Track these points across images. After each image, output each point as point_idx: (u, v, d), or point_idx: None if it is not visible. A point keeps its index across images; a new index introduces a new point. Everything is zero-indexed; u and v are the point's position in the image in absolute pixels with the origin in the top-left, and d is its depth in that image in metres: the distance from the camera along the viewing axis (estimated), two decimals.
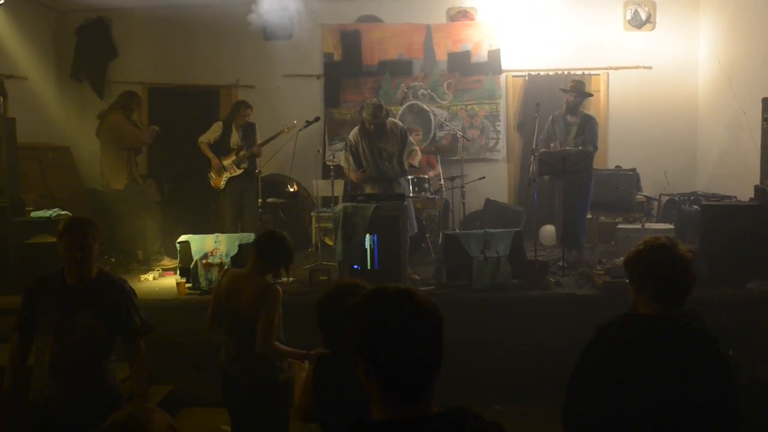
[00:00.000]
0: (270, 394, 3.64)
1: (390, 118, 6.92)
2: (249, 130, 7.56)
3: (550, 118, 7.27)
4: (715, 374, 2.25)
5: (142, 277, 6.62)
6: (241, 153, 7.41)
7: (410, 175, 7.04)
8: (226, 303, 3.72)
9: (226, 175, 7.40)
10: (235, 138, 7.47)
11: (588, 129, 6.99)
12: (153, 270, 6.86)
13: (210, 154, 7.39)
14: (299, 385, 2.91)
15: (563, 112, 7.15)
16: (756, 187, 6.31)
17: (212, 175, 7.43)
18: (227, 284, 3.75)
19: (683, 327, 2.36)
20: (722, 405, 2.23)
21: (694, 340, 2.30)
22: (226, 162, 7.39)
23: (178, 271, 6.29)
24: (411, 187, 7.09)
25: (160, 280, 6.62)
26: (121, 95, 7.27)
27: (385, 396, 1.49)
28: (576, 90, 7.08)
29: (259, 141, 7.46)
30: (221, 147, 7.43)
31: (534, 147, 6.86)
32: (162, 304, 5.82)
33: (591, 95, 7.31)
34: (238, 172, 7.38)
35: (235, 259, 5.97)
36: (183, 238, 6.23)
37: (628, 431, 2.24)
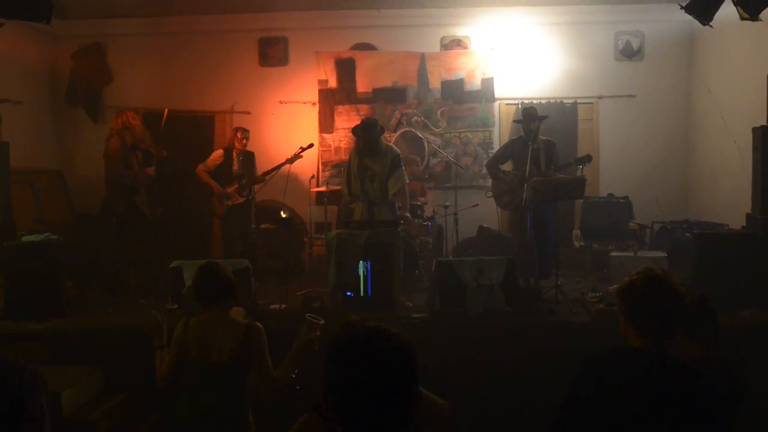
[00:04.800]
0: None
1: (388, 143, 6.97)
2: (249, 160, 7.59)
3: (510, 142, 7.40)
4: (702, 410, 2.20)
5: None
6: (243, 182, 7.41)
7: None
8: (196, 355, 3.39)
9: (227, 203, 7.40)
10: (236, 166, 7.49)
11: (555, 156, 7.05)
12: (145, 296, 6.77)
13: (212, 182, 7.40)
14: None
15: (523, 140, 7.11)
16: (748, 215, 6.32)
17: (215, 203, 7.45)
18: (194, 336, 3.42)
19: (670, 362, 2.29)
20: None
21: (680, 375, 2.25)
22: (229, 190, 7.40)
23: (169, 297, 6.21)
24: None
25: (152, 305, 6.53)
26: (114, 118, 7.24)
27: None
28: (533, 117, 7.05)
29: (257, 170, 7.48)
30: (222, 175, 7.44)
31: (485, 164, 7.15)
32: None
33: (546, 117, 7.41)
34: (241, 200, 7.38)
35: None
36: (175, 263, 6.15)
37: None
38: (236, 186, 7.42)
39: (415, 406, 1.53)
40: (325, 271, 6.51)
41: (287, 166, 7.19)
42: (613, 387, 2.22)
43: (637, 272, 2.40)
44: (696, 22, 6.06)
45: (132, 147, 7.02)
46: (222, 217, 7.49)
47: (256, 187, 7.31)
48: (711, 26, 5.88)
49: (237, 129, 7.67)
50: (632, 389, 2.20)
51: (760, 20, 5.72)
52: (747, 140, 6.42)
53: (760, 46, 6.93)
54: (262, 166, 7.58)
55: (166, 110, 8.15)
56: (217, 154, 7.57)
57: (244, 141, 7.55)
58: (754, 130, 6.14)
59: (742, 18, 5.80)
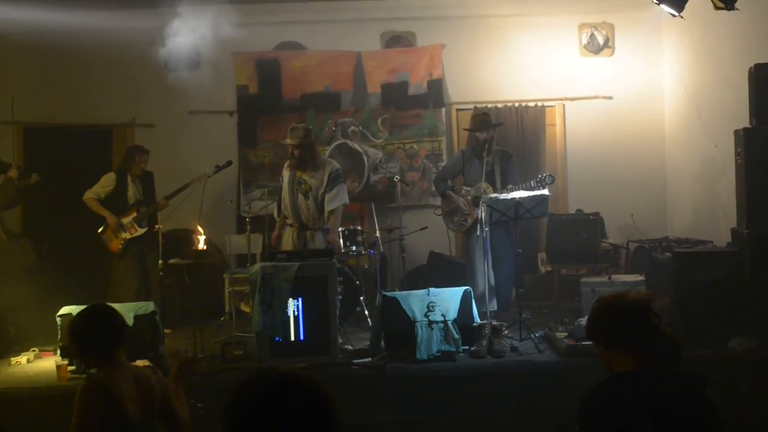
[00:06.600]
0: None
1: (326, 157, 6.96)
2: (147, 181, 7.50)
3: (460, 155, 7.47)
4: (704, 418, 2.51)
5: (14, 360, 6.30)
6: (143, 209, 7.31)
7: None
8: (113, 419, 3.18)
9: (124, 236, 7.27)
10: (132, 191, 7.39)
11: (511, 170, 7.17)
12: (27, 351, 6.55)
13: (104, 212, 7.27)
14: None
15: (475, 151, 7.21)
16: (733, 230, 6.48)
17: (109, 236, 7.28)
18: (103, 397, 3.18)
19: (668, 374, 2.66)
20: None
21: (683, 386, 2.58)
22: (125, 220, 7.28)
23: (58, 351, 6.03)
24: (342, 241, 7.09)
25: (35, 363, 6.34)
26: None
27: None
28: (486, 125, 7.13)
29: (157, 192, 7.38)
30: (116, 203, 7.33)
31: (433, 180, 7.54)
32: (37, 393, 5.54)
33: (501, 124, 7.59)
34: (140, 231, 7.30)
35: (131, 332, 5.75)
36: (65, 310, 5.98)
37: None
38: (134, 214, 7.31)
39: None
40: (249, 312, 6.43)
41: (200, 187, 7.08)
42: (624, 418, 2.48)
43: (595, 303, 2.80)
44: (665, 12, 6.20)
45: None
46: (118, 253, 7.35)
47: (161, 215, 7.19)
48: (682, 17, 6.04)
49: (134, 149, 7.58)
50: (644, 415, 2.46)
51: (737, 9, 5.91)
52: (729, 144, 6.59)
53: (740, 38, 7.14)
54: (165, 188, 7.47)
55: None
56: (108, 178, 7.44)
57: (142, 165, 7.48)
58: (737, 132, 6.30)
59: (717, 8, 5.98)
